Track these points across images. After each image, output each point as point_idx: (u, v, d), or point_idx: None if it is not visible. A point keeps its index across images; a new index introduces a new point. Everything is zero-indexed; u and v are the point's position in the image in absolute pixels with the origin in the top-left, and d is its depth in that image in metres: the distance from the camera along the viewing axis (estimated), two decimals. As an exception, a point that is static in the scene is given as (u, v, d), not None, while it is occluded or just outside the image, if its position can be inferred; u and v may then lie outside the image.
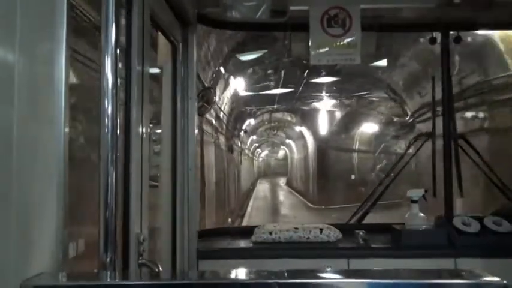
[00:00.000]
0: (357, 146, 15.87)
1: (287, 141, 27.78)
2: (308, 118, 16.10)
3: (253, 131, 20.69)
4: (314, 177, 18.01)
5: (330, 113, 14.69)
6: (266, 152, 40.41)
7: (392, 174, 3.39)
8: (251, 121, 16.65)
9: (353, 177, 15.25)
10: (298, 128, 19.54)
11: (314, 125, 16.26)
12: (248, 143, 23.69)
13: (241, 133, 16.33)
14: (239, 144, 17.12)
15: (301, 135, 20.46)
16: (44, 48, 0.98)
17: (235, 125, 14.10)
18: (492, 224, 2.62)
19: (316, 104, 13.72)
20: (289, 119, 18.13)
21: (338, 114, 14.79)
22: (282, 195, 25.01)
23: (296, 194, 24.02)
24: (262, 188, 29.87)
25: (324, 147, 16.56)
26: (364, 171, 14.72)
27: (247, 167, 25.40)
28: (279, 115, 17.11)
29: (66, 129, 1.00)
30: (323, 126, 15.64)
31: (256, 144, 29.64)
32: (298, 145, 23.94)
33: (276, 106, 13.89)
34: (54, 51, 0.98)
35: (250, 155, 27.69)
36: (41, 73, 0.97)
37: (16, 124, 0.86)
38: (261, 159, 41.16)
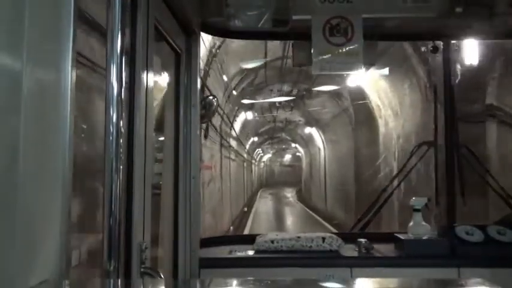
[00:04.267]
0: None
1: (305, 130, 19.80)
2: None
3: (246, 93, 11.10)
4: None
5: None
6: (269, 155, 34.91)
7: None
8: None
9: None
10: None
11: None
12: (240, 123, 14.73)
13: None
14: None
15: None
16: (51, 56, 0.98)
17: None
18: (496, 233, 2.61)
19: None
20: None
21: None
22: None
23: (328, 226, 13.13)
24: (265, 208, 20.52)
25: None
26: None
27: (237, 174, 15.95)
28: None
29: (72, 137, 1.01)
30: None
31: (256, 139, 23.16)
32: (338, 124, 13.16)
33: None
34: (61, 59, 0.99)
35: (245, 155, 20.28)
36: (48, 80, 0.97)
37: (22, 132, 0.86)
38: (262, 164, 35.28)
